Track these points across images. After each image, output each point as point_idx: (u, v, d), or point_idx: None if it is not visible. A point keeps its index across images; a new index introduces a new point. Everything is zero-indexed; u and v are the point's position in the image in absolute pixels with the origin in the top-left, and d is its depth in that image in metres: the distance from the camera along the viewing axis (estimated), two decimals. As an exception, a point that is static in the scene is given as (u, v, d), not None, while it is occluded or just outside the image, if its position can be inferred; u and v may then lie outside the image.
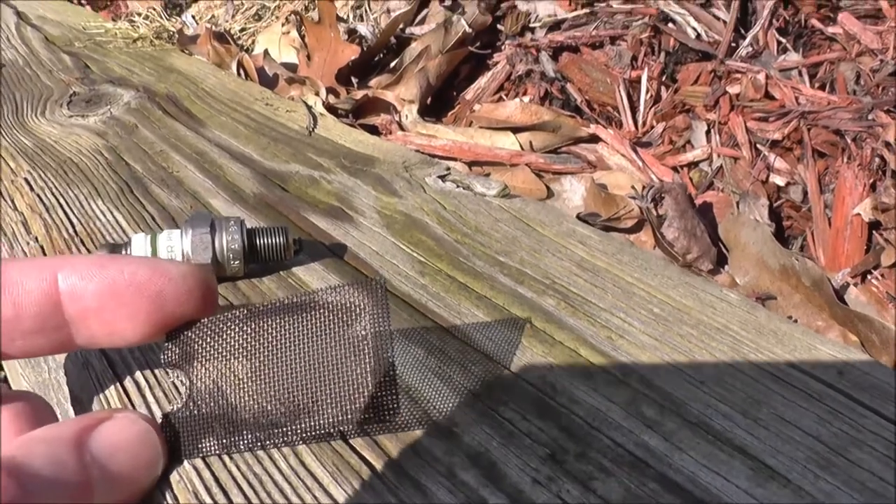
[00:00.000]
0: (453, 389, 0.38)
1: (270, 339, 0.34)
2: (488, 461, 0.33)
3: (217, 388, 0.34)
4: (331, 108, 0.92)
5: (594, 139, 0.98)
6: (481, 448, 0.34)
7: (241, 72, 1.00)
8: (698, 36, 1.12)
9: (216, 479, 0.33)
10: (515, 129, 0.95)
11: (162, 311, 0.33)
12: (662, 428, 0.35)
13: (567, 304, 0.44)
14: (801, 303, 0.72)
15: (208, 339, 0.34)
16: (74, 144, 0.73)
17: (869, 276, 0.80)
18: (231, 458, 0.34)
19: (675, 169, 0.99)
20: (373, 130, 0.94)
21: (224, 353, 0.34)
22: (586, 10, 1.20)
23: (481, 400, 0.37)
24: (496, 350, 0.41)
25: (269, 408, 0.33)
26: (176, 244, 0.46)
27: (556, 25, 1.21)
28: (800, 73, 1.02)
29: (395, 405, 0.32)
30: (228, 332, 0.34)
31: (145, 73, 0.97)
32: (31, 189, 0.64)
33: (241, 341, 0.34)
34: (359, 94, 0.97)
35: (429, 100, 1.09)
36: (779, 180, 0.93)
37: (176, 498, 0.33)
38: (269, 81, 1.00)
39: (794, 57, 1.06)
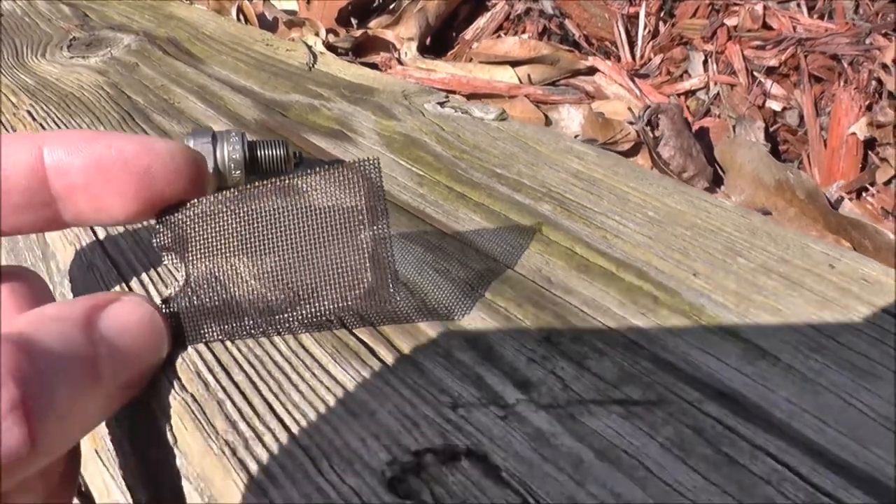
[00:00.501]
0: (451, 281, 0.38)
1: (265, 224, 0.33)
2: (485, 344, 0.34)
3: (214, 273, 0.34)
4: (330, 47, 0.92)
5: (592, 71, 0.99)
6: (478, 333, 0.35)
7: (242, 17, 1.00)
8: (697, -29, 1.12)
9: (218, 361, 0.34)
10: (514, 63, 0.95)
11: (150, 189, 0.33)
12: (656, 314, 0.36)
13: (563, 209, 0.45)
14: (795, 216, 0.72)
15: (200, 223, 0.34)
16: (76, 81, 0.73)
17: (864, 194, 0.80)
18: (232, 342, 0.35)
19: (672, 97, 0.99)
20: (372, 68, 0.94)
21: (218, 237, 0.34)
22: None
23: (478, 290, 0.38)
24: (493, 248, 0.41)
25: (267, 294, 0.33)
26: (177, 156, 0.47)
27: (555, -34, 1.20)
28: (798, 5, 1.02)
29: (395, 290, 0.33)
30: (221, 215, 0.34)
31: (145, 20, 0.97)
32: (34, 119, 0.65)
33: (234, 225, 0.34)
34: (358, 33, 0.98)
35: (428, 40, 1.09)
36: (775, 105, 0.93)
37: (179, 378, 0.34)
38: (269, 26, 1.01)
39: (794, -12, 1.06)
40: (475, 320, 0.36)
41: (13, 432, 0.24)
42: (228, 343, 0.35)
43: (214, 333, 0.34)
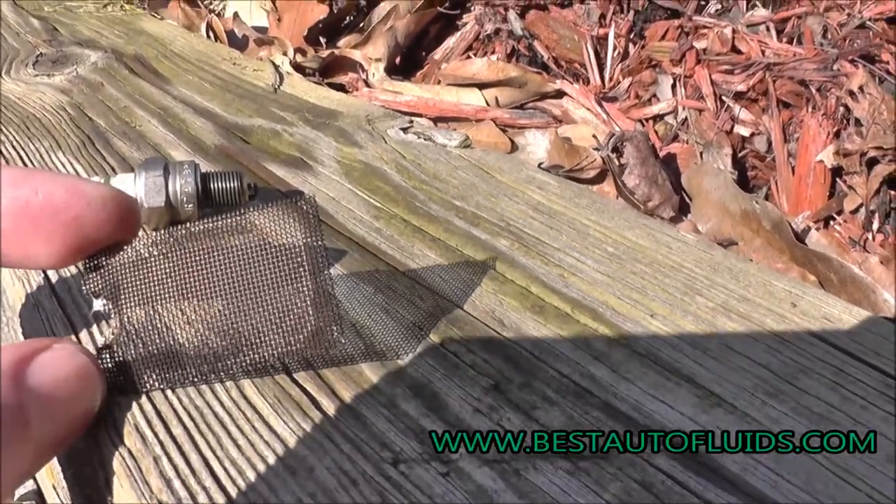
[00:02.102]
0: (400, 324, 0.37)
1: (200, 269, 0.32)
2: (431, 392, 0.33)
3: (152, 320, 0.32)
4: (298, 67, 0.91)
5: (560, 94, 0.98)
6: (424, 380, 0.34)
7: (211, 34, 0.99)
8: (668, -6, 1.12)
9: (157, 412, 0.33)
10: (482, 86, 0.95)
11: (79, 237, 0.31)
12: (609, 359, 0.35)
13: (521, 245, 0.44)
14: (761, 246, 0.72)
15: (132, 268, 0.33)
16: (38, 101, 0.72)
17: (832, 222, 0.80)
18: (173, 391, 0.34)
19: (640, 122, 0.98)
20: (340, 89, 0.93)
21: (152, 283, 0.32)
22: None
23: (427, 333, 0.37)
24: (446, 287, 0.40)
25: (209, 341, 0.32)
26: (129, 188, 0.46)
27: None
28: (767, 28, 1.02)
29: (339, 332, 0.32)
30: (153, 260, 0.32)
31: (114, 35, 0.96)
32: (-9, 144, 0.63)
33: (168, 271, 0.32)
34: (325, 53, 0.97)
35: (398, 60, 1.09)
36: (743, 131, 0.93)
37: (118, 430, 0.33)
38: (238, 44, 1.00)
39: (762, 12, 1.05)
40: (422, 366, 0.35)
41: None
42: (170, 392, 0.34)
43: (155, 382, 0.33)
